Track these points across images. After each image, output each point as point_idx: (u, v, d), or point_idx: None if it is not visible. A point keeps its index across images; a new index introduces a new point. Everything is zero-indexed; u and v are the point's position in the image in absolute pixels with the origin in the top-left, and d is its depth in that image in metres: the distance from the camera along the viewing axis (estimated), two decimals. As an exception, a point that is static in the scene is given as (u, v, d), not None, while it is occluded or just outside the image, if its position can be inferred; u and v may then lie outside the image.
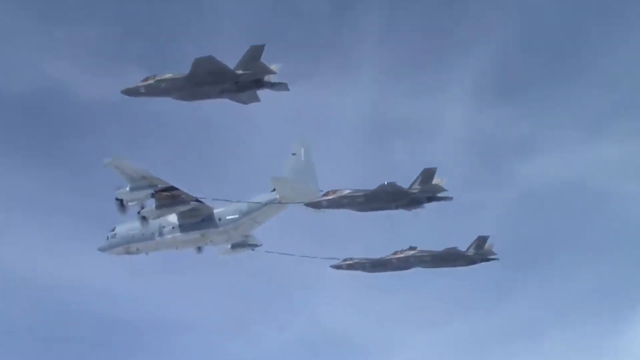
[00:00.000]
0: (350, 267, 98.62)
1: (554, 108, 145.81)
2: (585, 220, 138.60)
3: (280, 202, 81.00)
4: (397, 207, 71.13)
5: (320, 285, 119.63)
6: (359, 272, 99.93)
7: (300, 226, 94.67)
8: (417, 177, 69.74)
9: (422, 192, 69.70)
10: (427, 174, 69.35)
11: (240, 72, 55.15)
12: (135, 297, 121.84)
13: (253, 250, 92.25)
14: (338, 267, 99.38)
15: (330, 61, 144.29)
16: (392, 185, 68.39)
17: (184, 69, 56.17)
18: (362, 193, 70.61)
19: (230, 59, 55.73)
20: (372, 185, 71.24)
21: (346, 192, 71.52)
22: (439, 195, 70.64)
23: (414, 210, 71.97)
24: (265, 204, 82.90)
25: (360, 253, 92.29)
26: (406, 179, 70.62)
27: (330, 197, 72.28)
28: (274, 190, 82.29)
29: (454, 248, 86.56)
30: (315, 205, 73.62)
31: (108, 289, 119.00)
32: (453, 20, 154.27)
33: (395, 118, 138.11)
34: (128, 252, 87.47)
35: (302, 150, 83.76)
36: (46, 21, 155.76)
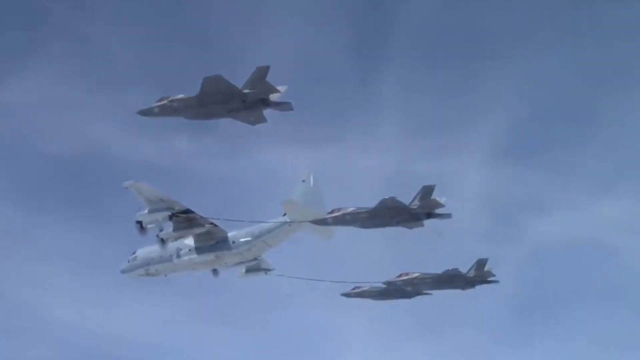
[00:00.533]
0: (359, 295, 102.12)
1: (564, 169, 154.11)
2: (595, 274, 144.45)
3: (290, 223, 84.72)
4: (398, 223, 74.21)
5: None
6: (367, 300, 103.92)
7: (310, 250, 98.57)
8: (417, 194, 72.91)
9: (421, 208, 72.76)
10: (427, 191, 72.58)
11: (247, 91, 59.21)
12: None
13: (266, 274, 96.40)
14: (348, 295, 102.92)
15: (354, 124, 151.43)
16: (392, 199, 71.57)
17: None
18: (365, 210, 73.85)
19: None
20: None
21: (350, 209, 74.84)
22: (438, 212, 73.73)
23: (433, 232, 75.34)
24: (277, 226, 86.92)
25: (368, 277, 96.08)
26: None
27: (335, 214, 75.79)
28: (285, 214, 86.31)
29: (455, 269, 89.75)
30: (321, 222, 77.33)
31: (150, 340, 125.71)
32: (470, 87, 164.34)
33: (415, 177, 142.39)
34: (148, 274, 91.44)
35: (311, 177, 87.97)
36: (91, 87, 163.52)
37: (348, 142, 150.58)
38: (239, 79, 58.79)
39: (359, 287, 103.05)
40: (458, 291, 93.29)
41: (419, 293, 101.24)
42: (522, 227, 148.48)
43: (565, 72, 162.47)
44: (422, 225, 75.42)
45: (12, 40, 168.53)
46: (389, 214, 73.18)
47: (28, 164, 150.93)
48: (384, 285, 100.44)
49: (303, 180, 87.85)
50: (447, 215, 74.43)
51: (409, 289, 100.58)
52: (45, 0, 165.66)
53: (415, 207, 73.04)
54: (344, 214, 74.87)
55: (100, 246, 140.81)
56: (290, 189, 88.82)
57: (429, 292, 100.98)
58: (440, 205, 73.25)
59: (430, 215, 73.82)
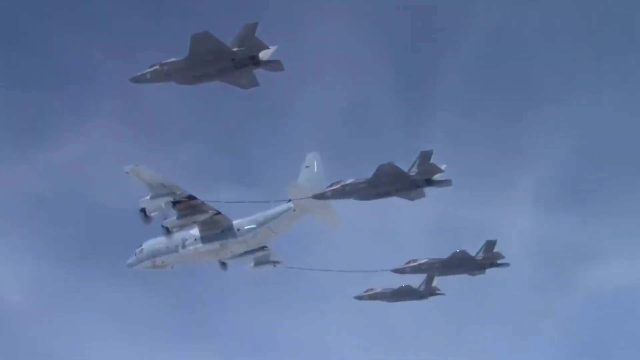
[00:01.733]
0: (372, 297, 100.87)
1: (618, 214, 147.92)
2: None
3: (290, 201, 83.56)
4: (398, 191, 72.52)
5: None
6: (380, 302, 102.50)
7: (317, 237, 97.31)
8: (415, 161, 71.31)
9: (420, 174, 70.98)
10: (424, 157, 70.84)
11: (236, 49, 58.64)
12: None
13: (275, 266, 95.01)
14: (360, 298, 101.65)
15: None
16: (390, 165, 69.79)
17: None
18: (364, 179, 72.36)
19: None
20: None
21: (349, 180, 73.35)
22: (437, 178, 71.95)
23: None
24: (281, 212, 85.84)
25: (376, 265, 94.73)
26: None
27: (334, 187, 74.37)
28: (289, 200, 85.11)
29: (463, 251, 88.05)
30: (321, 196, 75.89)
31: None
32: (518, 131, 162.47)
33: (463, 224, 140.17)
34: (154, 266, 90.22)
35: (315, 162, 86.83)
36: (142, 143, 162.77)
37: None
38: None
39: (371, 290, 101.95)
40: (467, 277, 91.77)
41: (432, 293, 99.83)
42: (575, 275, 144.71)
43: (615, 115, 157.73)
44: (424, 194, 73.60)
45: (66, 98, 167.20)
46: (387, 181, 71.39)
47: (80, 220, 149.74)
48: (395, 288, 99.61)
49: (307, 166, 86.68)
50: (447, 182, 72.59)
51: (421, 288, 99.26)
52: (96, 58, 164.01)
53: (413, 173, 71.29)
54: (343, 186, 73.40)
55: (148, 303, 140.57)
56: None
57: (442, 292, 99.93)
58: (440, 171, 71.36)
59: (430, 182, 71.99)
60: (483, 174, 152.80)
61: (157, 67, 61.45)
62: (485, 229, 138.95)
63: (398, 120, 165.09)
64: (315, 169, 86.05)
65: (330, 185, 75.20)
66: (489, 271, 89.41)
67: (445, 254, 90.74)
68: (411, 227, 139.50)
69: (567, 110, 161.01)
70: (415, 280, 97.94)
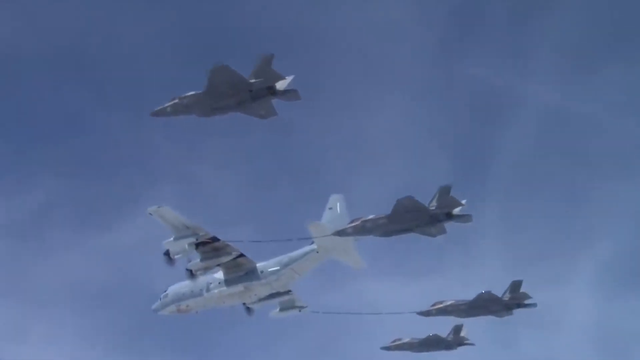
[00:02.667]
0: (399, 347, 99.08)
1: None
2: None
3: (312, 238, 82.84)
4: (418, 227, 71.42)
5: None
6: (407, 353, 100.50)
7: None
8: (434, 195, 70.47)
9: (440, 208, 69.98)
10: (444, 191, 70.13)
11: (253, 80, 59.01)
12: None
13: (300, 311, 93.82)
14: (388, 348, 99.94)
15: (454, 257, 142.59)
16: (409, 198, 68.76)
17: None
18: (384, 215, 71.49)
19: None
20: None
21: (370, 217, 72.51)
22: (457, 212, 70.81)
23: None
24: (305, 254, 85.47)
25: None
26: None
27: (355, 223, 73.62)
28: (313, 243, 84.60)
29: (489, 292, 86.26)
30: (342, 233, 75.10)
31: None
32: (574, 213, 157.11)
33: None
34: (179, 311, 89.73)
35: (338, 204, 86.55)
36: None
37: (448, 276, 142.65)
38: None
39: (399, 340, 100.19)
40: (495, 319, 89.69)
41: (460, 343, 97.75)
42: None
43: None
44: (445, 231, 72.46)
45: (123, 183, 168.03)
46: (407, 216, 70.35)
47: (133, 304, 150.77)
48: (422, 338, 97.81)
49: (330, 208, 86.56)
50: (468, 218, 71.48)
51: (450, 338, 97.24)
52: (154, 142, 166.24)
53: (433, 207, 70.33)
54: (363, 222, 72.53)
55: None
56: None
57: (471, 342, 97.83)
58: (460, 205, 70.31)
59: (450, 216, 70.87)
60: (539, 257, 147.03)
61: (176, 100, 61.71)
62: (545, 315, 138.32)
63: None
64: (339, 211, 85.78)
65: (351, 222, 74.51)
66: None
67: (503, 344, 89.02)
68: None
69: (629, 189, 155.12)
70: (443, 328, 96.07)
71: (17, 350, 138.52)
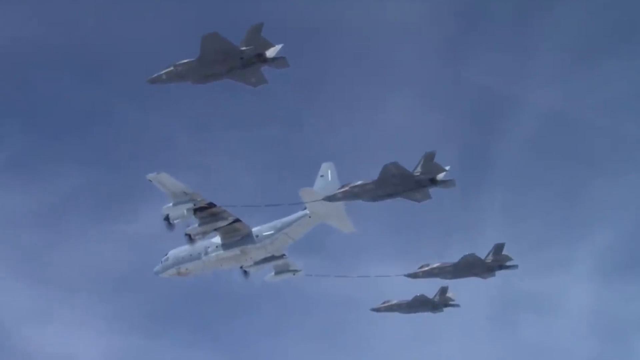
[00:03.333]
0: (388, 309, 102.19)
1: None
2: None
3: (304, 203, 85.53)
4: (404, 192, 73.76)
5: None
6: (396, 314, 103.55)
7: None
8: (419, 161, 72.69)
9: (424, 174, 72.26)
10: (428, 157, 72.20)
11: (243, 48, 61.32)
12: None
13: (294, 275, 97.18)
14: (377, 310, 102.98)
15: (455, 244, 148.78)
16: (394, 164, 70.93)
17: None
18: (371, 181, 73.87)
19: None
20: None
21: (358, 182, 74.94)
22: (441, 178, 72.96)
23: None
24: (297, 218, 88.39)
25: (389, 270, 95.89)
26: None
27: (344, 189, 76.14)
28: (305, 208, 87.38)
29: (472, 254, 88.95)
30: (332, 198, 77.68)
31: None
32: (574, 202, 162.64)
33: (521, 295, 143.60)
34: (179, 274, 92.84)
35: (329, 172, 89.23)
36: None
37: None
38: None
39: (388, 302, 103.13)
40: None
41: (446, 304, 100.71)
42: (634, 347, 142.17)
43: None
44: (429, 196, 74.71)
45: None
46: (393, 182, 72.62)
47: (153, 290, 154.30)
48: (410, 299, 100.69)
49: (321, 175, 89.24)
50: (452, 183, 73.58)
51: (436, 299, 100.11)
52: (173, 133, 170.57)
53: (417, 173, 72.60)
54: (352, 187, 74.88)
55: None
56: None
57: (457, 303, 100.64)
58: (443, 170, 72.43)
59: (434, 181, 73.11)
60: (540, 245, 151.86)
61: (171, 68, 63.78)
62: (545, 301, 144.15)
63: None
64: (330, 178, 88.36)
65: (340, 188, 77.00)
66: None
67: (506, 327, 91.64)
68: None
69: (627, 183, 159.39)
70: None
71: (43, 333, 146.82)
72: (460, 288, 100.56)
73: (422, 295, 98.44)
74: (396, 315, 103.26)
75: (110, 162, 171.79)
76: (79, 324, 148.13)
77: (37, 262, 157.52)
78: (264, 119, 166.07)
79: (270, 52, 61.32)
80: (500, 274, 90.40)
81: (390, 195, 74.48)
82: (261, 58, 61.53)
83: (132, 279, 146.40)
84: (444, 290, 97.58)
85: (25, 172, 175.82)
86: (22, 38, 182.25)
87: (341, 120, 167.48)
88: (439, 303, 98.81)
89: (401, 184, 73.00)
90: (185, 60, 63.45)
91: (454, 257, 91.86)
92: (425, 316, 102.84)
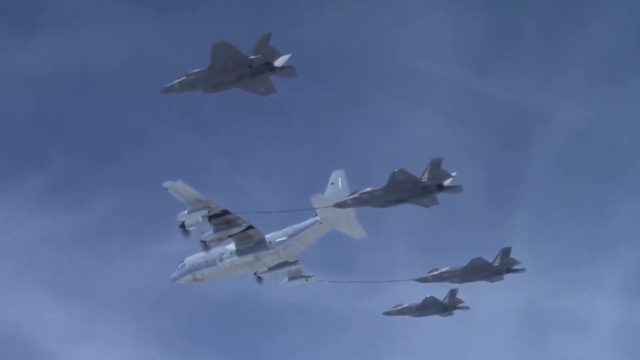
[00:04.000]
0: (400, 312, 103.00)
1: None
2: None
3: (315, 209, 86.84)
4: (412, 198, 74.84)
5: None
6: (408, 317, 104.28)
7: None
8: (426, 168, 73.77)
9: (431, 180, 73.38)
10: (435, 164, 73.26)
11: (252, 57, 62.71)
12: None
13: (307, 280, 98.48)
14: (389, 313, 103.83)
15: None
16: (402, 171, 72.17)
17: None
18: (380, 187, 75.04)
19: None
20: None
21: (367, 189, 76.15)
22: (447, 184, 74.04)
23: None
24: (309, 224, 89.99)
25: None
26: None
27: (354, 195, 77.37)
28: (316, 215, 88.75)
29: (480, 258, 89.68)
30: (343, 204, 79.03)
31: None
32: (602, 220, 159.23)
33: (549, 313, 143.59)
34: (195, 280, 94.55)
35: (339, 179, 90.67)
36: None
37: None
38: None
39: (399, 305, 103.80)
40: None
41: (456, 306, 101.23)
42: None
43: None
44: (437, 202, 75.79)
45: None
46: (401, 188, 73.75)
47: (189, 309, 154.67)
48: (420, 302, 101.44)
49: (332, 183, 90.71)
50: (458, 189, 74.61)
51: (446, 301, 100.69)
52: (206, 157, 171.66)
53: (425, 179, 73.66)
54: (361, 194, 76.11)
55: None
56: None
57: (466, 305, 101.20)
58: (449, 176, 73.48)
59: (440, 187, 74.15)
60: (568, 263, 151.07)
61: (184, 77, 65.42)
62: (574, 319, 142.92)
63: (485, 212, 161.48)
64: (340, 186, 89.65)
65: (350, 194, 78.21)
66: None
67: (535, 345, 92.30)
68: (497, 317, 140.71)
69: None
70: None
71: (83, 351, 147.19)
72: (489, 306, 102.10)
73: (432, 297, 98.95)
74: (430, 331, 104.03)
75: (146, 184, 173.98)
76: (116, 342, 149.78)
77: (76, 282, 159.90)
78: (296, 138, 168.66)
79: (279, 62, 62.63)
80: (509, 278, 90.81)
81: (399, 201, 75.70)
82: (269, 67, 62.89)
83: (168, 297, 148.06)
84: (453, 293, 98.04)
85: (66, 194, 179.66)
86: (63, 64, 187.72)
87: (374, 138, 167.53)
88: (449, 305, 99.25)
89: (409, 190, 74.14)
90: (196, 70, 64.96)
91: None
92: (457, 336, 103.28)
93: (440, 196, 75.20)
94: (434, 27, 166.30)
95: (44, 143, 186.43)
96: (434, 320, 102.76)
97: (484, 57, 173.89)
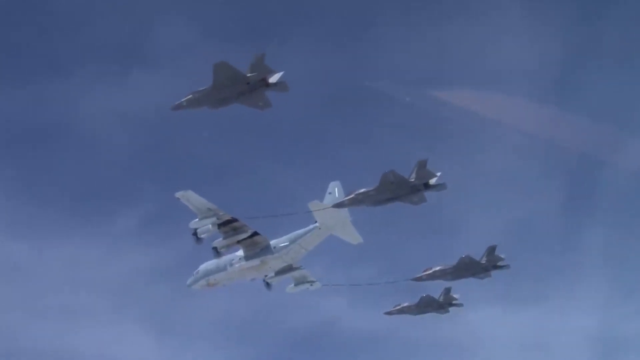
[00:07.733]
0: (400, 311, 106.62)
1: None
2: None
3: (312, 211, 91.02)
4: (402, 197, 78.91)
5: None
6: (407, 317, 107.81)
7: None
8: (413, 168, 77.80)
9: (418, 179, 77.45)
10: (421, 165, 77.33)
11: (249, 74, 67.21)
12: None
13: (311, 285, 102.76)
14: (390, 313, 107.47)
15: (557, 286, 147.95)
16: (392, 172, 76.36)
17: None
18: (372, 187, 79.16)
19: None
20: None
21: (362, 190, 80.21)
22: (433, 182, 78.07)
23: None
24: (309, 230, 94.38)
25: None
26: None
27: (350, 196, 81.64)
28: (316, 222, 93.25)
29: (468, 256, 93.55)
30: (340, 205, 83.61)
31: None
32: None
33: (620, 338, 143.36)
34: (209, 284, 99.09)
35: (336, 189, 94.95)
36: None
37: (550, 303, 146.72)
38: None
39: (399, 305, 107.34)
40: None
41: (450, 303, 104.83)
42: None
43: None
44: (425, 199, 79.68)
45: None
46: (392, 187, 77.69)
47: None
48: (417, 301, 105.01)
49: (329, 193, 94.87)
50: (443, 186, 78.53)
51: (441, 299, 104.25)
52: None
53: (412, 179, 77.72)
54: (356, 194, 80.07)
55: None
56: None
57: (460, 302, 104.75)
58: (434, 176, 77.40)
59: (427, 186, 78.15)
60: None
61: (190, 95, 69.96)
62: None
63: (557, 236, 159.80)
64: (337, 195, 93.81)
65: (347, 195, 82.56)
66: None
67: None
68: (569, 341, 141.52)
69: None
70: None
71: None
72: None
73: (428, 296, 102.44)
74: None
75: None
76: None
77: (165, 314, 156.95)
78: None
79: (273, 78, 67.12)
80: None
81: (390, 199, 79.57)
82: (265, 83, 67.32)
83: (250, 327, 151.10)
84: (447, 291, 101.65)
85: (158, 228, 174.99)
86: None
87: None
88: (444, 303, 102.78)
89: (399, 189, 78.20)
90: (202, 88, 69.39)
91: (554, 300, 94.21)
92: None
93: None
94: (515, 49, 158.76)
95: (138, 179, 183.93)
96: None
97: (561, 75, 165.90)
